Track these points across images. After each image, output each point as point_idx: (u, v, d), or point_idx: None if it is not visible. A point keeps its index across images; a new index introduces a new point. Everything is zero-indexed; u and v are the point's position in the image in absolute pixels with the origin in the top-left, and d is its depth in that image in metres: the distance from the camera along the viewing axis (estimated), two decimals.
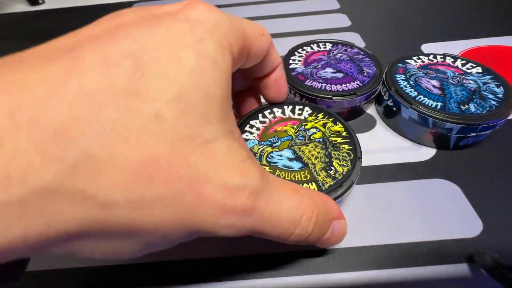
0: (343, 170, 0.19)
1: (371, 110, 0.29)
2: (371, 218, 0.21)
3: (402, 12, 0.45)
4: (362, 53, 0.30)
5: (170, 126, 0.09)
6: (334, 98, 0.25)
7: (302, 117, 0.23)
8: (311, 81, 0.26)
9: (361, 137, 0.26)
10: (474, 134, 0.22)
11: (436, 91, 0.24)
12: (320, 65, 0.28)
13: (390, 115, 0.26)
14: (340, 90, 0.25)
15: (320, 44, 0.31)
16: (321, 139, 0.21)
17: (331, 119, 0.22)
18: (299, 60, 0.29)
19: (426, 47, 0.37)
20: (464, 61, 0.27)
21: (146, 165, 0.09)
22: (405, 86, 0.25)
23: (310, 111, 0.23)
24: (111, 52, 0.09)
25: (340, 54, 0.30)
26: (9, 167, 0.07)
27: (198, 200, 0.09)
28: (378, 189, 0.22)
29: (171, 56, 0.09)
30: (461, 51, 0.35)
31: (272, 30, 0.43)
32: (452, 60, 0.27)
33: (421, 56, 0.28)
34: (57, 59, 0.08)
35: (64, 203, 0.08)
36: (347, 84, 0.26)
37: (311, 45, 0.31)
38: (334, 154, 0.20)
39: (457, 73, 0.26)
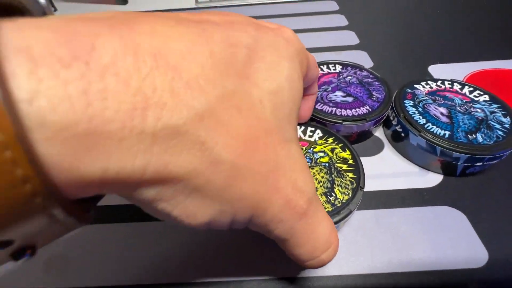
0: (343, 197, 0.19)
1: (379, 133, 0.30)
2: (378, 244, 0.21)
3: (410, 32, 0.45)
4: (371, 76, 0.30)
5: (269, 115, 0.10)
6: (344, 123, 0.25)
7: (312, 139, 0.24)
8: (321, 105, 0.27)
9: (369, 160, 0.27)
10: (481, 163, 0.23)
11: (444, 119, 0.25)
12: (330, 88, 0.29)
13: (398, 140, 0.27)
14: (350, 115, 0.26)
15: (330, 66, 0.32)
16: (326, 164, 0.21)
17: (340, 145, 0.23)
18: None
19: (434, 69, 0.37)
20: (471, 88, 0.28)
21: (250, 140, 0.10)
22: (414, 112, 0.25)
23: (320, 134, 0.24)
24: (232, 37, 0.10)
25: (349, 77, 0.30)
26: (149, 101, 0.07)
27: (274, 187, 0.10)
28: (385, 215, 0.23)
29: (274, 60, 0.11)
30: (469, 74, 0.36)
31: None
32: (460, 86, 0.28)
33: (429, 82, 0.29)
34: (187, 25, 0.09)
35: (184, 148, 0.08)
36: (357, 109, 0.26)
37: (321, 67, 0.32)
38: (337, 180, 0.20)
39: (464, 101, 0.26)
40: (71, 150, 0.07)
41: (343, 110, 0.26)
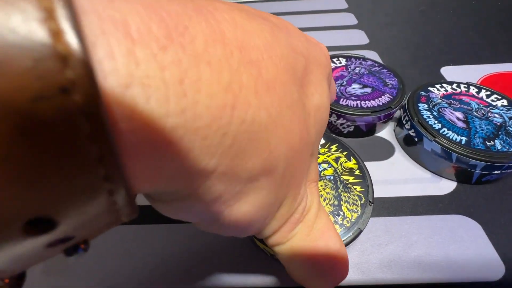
0: (351, 216, 0.18)
1: (391, 136, 0.29)
2: (390, 253, 0.20)
3: (422, 32, 0.44)
4: (376, 65, 0.31)
5: (312, 129, 0.11)
6: (372, 114, 0.25)
7: None
8: (344, 100, 0.27)
9: (379, 165, 0.26)
10: (499, 171, 0.22)
11: (460, 124, 0.24)
12: (345, 82, 0.29)
13: (410, 144, 0.26)
14: (376, 105, 0.26)
15: (335, 60, 0.32)
16: (331, 177, 0.20)
17: (344, 153, 0.22)
18: None
19: (446, 71, 0.36)
20: (488, 92, 0.26)
21: (299, 151, 0.10)
22: (428, 117, 0.24)
23: (323, 141, 0.23)
24: (293, 43, 0.10)
25: (358, 68, 0.30)
26: (237, 99, 0.07)
27: (296, 190, 0.11)
28: (397, 223, 0.22)
29: (319, 75, 0.12)
30: (483, 76, 0.35)
31: None
32: (477, 90, 0.27)
33: (444, 85, 0.28)
34: (260, 22, 0.09)
35: (255, 153, 0.08)
36: (379, 99, 0.26)
37: None
38: (344, 196, 0.19)
39: (481, 105, 0.25)
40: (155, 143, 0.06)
41: (367, 101, 0.26)
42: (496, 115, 0.24)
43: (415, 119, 0.24)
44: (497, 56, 0.38)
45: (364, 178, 0.20)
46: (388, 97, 0.27)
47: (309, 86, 0.11)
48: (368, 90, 0.27)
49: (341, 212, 0.18)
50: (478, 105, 0.25)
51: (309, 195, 0.12)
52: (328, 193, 0.19)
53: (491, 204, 0.23)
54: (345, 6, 0.51)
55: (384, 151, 0.27)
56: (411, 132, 0.25)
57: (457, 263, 0.20)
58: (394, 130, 0.29)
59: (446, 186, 0.24)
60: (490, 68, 0.36)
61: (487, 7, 0.49)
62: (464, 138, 0.22)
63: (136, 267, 0.20)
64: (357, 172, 0.20)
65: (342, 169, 0.21)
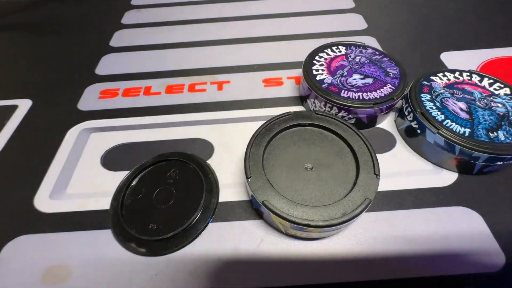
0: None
1: (391, 127, 0.28)
2: (395, 248, 0.20)
3: (421, 16, 0.43)
4: (377, 53, 0.30)
5: None
6: (375, 106, 0.25)
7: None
8: (346, 92, 0.26)
9: (382, 158, 0.26)
10: (501, 163, 0.22)
11: (463, 115, 0.23)
12: (345, 72, 0.28)
13: (412, 136, 0.25)
14: (378, 96, 0.25)
15: (334, 48, 0.30)
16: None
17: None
18: (322, 70, 0.28)
19: (446, 56, 0.35)
20: (491, 80, 0.26)
21: None
22: (431, 108, 0.24)
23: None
24: None
25: (358, 57, 0.29)
26: None
27: None
28: (400, 216, 0.22)
29: None
30: (483, 61, 0.34)
31: (283, 31, 0.41)
32: (479, 78, 0.26)
33: (446, 73, 0.27)
34: None
35: None
36: (381, 90, 0.26)
37: (325, 51, 0.30)
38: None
39: (484, 95, 0.25)
40: None
41: (369, 93, 0.25)
42: (499, 105, 0.24)
43: (418, 110, 0.24)
44: (497, 40, 0.37)
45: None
46: (390, 87, 0.26)
47: None
48: (370, 80, 0.27)
49: None
50: (481, 94, 0.25)
51: None
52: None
53: (492, 194, 0.23)
54: None
55: (385, 143, 0.27)
56: (414, 124, 0.24)
57: (459, 255, 0.20)
58: (395, 121, 0.28)
59: (447, 177, 0.24)
60: (491, 53, 0.35)
61: None
62: (467, 130, 0.22)
63: (137, 271, 0.20)
64: None
65: None
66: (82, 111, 0.31)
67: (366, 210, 0.18)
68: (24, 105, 0.32)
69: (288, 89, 0.32)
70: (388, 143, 0.27)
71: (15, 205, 0.24)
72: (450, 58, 0.35)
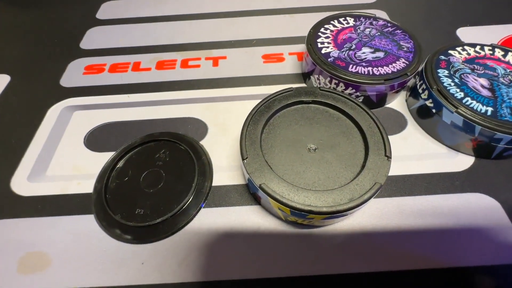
0: None
1: (402, 107, 0.26)
2: (405, 235, 0.19)
3: None
4: (389, 25, 0.27)
5: None
6: (386, 82, 0.22)
7: None
8: (354, 66, 0.23)
9: (392, 140, 0.23)
10: None
11: (485, 92, 0.21)
12: (354, 46, 0.25)
13: (426, 116, 0.23)
14: (390, 72, 0.23)
15: (341, 20, 0.27)
16: None
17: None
18: (328, 43, 0.25)
19: (463, 32, 0.32)
20: None
21: None
22: (449, 84, 0.21)
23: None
24: None
25: (368, 29, 0.26)
26: None
27: None
28: (410, 204, 0.20)
29: None
30: (504, 38, 0.31)
31: (285, 4, 0.37)
32: (503, 53, 0.24)
33: (466, 47, 0.24)
34: None
35: None
36: (394, 64, 0.23)
37: (332, 22, 0.27)
38: None
39: (509, 71, 0.22)
40: None
41: (379, 68, 0.23)
42: None
43: (434, 87, 0.21)
44: None
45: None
46: (403, 62, 0.23)
47: None
48: (381, 54, 0.24)
49: None
50: (505, 70, 0.22)
51: None
52: None
53: (511, 181, 0.21)
54: None
55: (395, 124, 0.25)
56: (428, 103, 0.22)
57: (474, 245, 0.18)
58: (406, 101, 0.26)
59: (463, 162, 0.22)
60: (511, 29, 0.32)
61: None
62: (489, 109, 0.20)
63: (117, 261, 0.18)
64: None
65: None
66: (64, 88, 0.29)
67: (375, 195, 0.16)
68: (1, 81, 0.29)
69: (289, 66, 0.30)
70: (398, 124, 0.25)
71: None
72: (467, 34, 0.32)
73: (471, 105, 0.20)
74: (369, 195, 0.16)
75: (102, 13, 0.38)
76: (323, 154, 0.18)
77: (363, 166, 0.18)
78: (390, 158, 0.18)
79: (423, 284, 0.17)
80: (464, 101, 0.20)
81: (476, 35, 0.32)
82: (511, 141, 0.19)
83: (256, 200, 0.20)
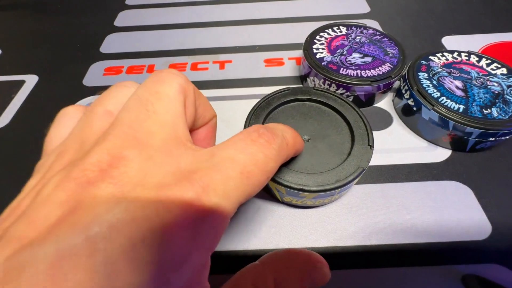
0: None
1: (389, 107, 0.29)
2: (384, 217, 0.21)
3: (424, 0, 0.42)
4: (377, 33, 0.30)
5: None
6: (372, 83, 0.25)
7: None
8: (344, 69, 0.26)
9: (378, 135, 0.26)
10: (493, 139, 0.22)
11: (459, 92, 0.24)
12: (345, 52, 0.28)
13: (408, 114, 0.26)
14: (376, 74, 0.26)
15: (335, 28, 0.31)
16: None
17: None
18: (322, 49, 0.28)
19: (448, 40, 0.36)
20: (489, 61, 0.26)
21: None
22: (428, 85, 0.24)
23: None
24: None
25: (359, 37, 0.30)
26: None
27: None
28: (392, 189, 0.23)
29: None
30: (484, 46, 0.34)
31: (286, 13, 0.41)
32: (477, 59, 0.26)
33: (445, 53, 0.27)
34: None
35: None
36: (380, 68, 0.26)
37: (327, 31, 0.30)
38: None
39: (481, 74, 0.25)
40: None
41: (367, 71, 0.26)
42: (495, 84, 0.24)
43: (415, 88, 0.24)
44: (499, 25, 0.37)
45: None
46: (388, 66, 0.26)
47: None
48: (369, 59, 0.27)
49: None
50: (478, 73, 0.25)
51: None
52: None
53: (483, 171, 0.24)
54: None
55: (382, 121, 0.28)
56: (410, 102, 0.25)
57: (448, 225, 0.21)
58: (392, 101, 0.29)
59: (441, 154, 0.25)
60: (493, 38, 0.35)
61: None
62: (461, 106, 0.23)
63: None
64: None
65: None
66: (87, 87, 0.32)
67: (359, 178, 0.19)
68: (31, 80, 0.33)
69: (289, 69, 0.33)
70: (385, 121, 0.28)
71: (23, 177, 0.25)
72: (452, 42, 0.35)
73: (446, 104, 0.23)
74: (353, 177, 0.19)
75: (120, 21, 0.41)
76: (315, 143, 0.21)
77: (349, 154, 0.20)
78: (373, 147, 0.20)
79: (403, 257, 0.20)
80: (440, 100, 0.23)
81: (460, 43, 0.35)
82: (481, 135, 0.22)
83: None
